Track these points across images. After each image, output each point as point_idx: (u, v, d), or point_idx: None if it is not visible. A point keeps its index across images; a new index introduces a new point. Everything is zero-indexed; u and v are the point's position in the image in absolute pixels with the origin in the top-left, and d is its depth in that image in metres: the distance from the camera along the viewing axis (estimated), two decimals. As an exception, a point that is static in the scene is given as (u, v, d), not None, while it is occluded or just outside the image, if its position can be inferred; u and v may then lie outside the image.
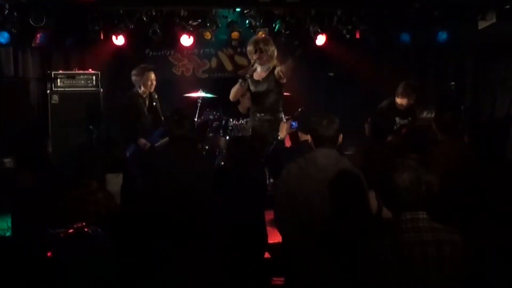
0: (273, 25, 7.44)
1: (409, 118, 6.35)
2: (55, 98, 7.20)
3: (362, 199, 3.35)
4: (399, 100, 6.27)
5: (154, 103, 6.67)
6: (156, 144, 6.44)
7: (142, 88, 6.54)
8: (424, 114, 5.98)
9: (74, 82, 7.29)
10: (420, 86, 6.45)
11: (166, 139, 6.35)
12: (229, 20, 7.60)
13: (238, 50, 8.25)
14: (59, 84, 7.24)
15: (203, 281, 3.76)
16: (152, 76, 6.56)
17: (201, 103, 7.28)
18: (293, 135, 5.43)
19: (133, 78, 6.57)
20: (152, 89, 6.62)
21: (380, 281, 2.49)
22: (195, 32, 7.41)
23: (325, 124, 3.41)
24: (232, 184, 4.37)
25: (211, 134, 7.31)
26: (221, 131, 7.22)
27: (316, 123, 3.45)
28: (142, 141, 6.42)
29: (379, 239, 2.58)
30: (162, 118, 6.65)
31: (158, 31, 7.21)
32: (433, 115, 5.16)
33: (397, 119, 6.43)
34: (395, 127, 6.35)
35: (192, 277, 3.77)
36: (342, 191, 3.29)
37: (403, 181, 2.55)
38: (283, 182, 3.46)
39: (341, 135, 3.49)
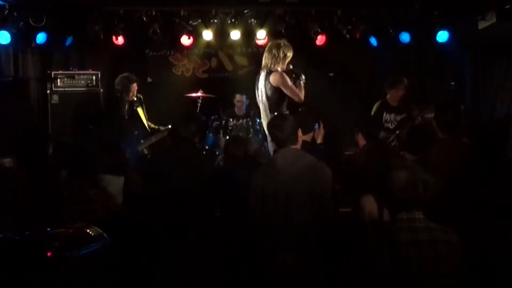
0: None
1: (404, 114, 6.37)
2: (55, 98, 7.19)
3: (324, 192, 3.40)
4: (389, 96, 6.38)
5: (135, 107, 6.58)
6: (139, 146, 6.42)
7: (125, 97, 6.48)
8: (427, 115, 5.99)
9: (74, 82, 7.27)
10: (404, 77, 6.46)
11: (150, 139, 6.40)
12: (229, 20, 7.60)
13: (238, 50, 8.26)
14: (59, 84, 7.23)
15: (203, 280, 3.77)
16: (136, 86, 6.51)
17: (201, 103, 7.29)
18: None
19: (117, 87, 6.50)
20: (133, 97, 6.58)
21: (377, 282, 2.49)
22: (195, 32, 7.41)
23: (278, 124, 3.47)
24: (233, 184, 4.38)
25: (211, 134, 7.32)
26: (221, 131, 7.22)
27: (270, 126, 3.50)
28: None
29: (375, 240, 2.57)
30: (145, 121, 6.61)
31: (158, 31, 7.20)
32: (433, 114, 5.16)
33: (392, 115, 6.45)
34: (391, 126, 6.38)
35: (191, 276, 3.77)
36: (303, 187, 3.36)
37: (399, 181, 2.54)
38: (252, 186, 3.52)
39: (299, 131, 3.53)
